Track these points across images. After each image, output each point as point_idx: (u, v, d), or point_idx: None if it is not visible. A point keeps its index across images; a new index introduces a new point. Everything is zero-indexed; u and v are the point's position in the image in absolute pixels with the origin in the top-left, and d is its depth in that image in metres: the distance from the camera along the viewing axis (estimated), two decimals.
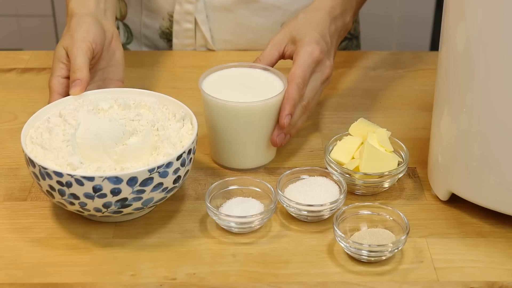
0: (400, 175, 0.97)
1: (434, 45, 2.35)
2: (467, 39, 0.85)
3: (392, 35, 2.34)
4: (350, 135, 1.01)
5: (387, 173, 0.95)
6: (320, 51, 1.04)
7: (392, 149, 0.99)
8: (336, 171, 0.97)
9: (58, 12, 2.34)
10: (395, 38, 2.36)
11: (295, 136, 1.09)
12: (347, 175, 0.96)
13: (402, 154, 1.00)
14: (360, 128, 1.01)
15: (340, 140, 1.01)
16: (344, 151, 0.99)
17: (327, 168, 0.98)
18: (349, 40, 1.38)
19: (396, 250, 0.87)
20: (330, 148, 1.00)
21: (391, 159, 0.97)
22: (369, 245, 0.86)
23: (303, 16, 1.08)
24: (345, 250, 0.88)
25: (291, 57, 1.06)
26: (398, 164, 0.97)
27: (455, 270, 0.87)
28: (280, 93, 0.99)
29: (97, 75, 1.07)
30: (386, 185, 0.97)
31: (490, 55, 0.83)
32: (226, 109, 0.98)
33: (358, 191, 0.98)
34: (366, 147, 0.96)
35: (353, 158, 0.99)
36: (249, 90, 1.02)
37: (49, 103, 0.99)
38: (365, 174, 0.95)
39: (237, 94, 1.00)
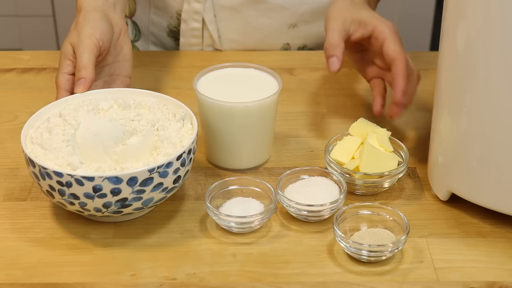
0: (400, 175, 0.97)
1: (434, 45, 2.35)
2: (467, 39, 0.85)
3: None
4: (350, 135, 1.01)
5: (387, 173, 0.95)
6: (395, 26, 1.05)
7: (392, 149, 0.99)
8: (336, 171, 0.97)
9: (58, 12, 2.34)
10: None
11: (295, 136, 1.09)
12: (347, 175, 0.96)
13: (402, 154, 1.00)
14: (360, 128, 1.01)
15: (340, 140, 1.01)
16: (344, 151, 0.99)
17: (327, 168, 0.98)
18: None
19: (396, 250, 0.87)
20: (330, 148, 1.00)
21: (391, 159, 0.97)
22: (369, 245, 0.86)
23: (351, 2, 1.08)
24: (345, 250, 0.88)
25: (361, 39, 1.06)
26: (398, 164, 0.97)
27: (455, 270, 0.87)
28: (275, 93, 0.99)
29: (104, 70, 1.07)
30: (386, 185, 0.97)
31: (490, 55, 0.83)
32: (223, 110, 0.98)
33: (358, 191, 0.98)
34: (366, 147, 0.96)
35: (353, 158, 0.99)
36: (244, 90, 1.02)
37: (56, 99, 0.99)
38: (365, 174, 0.95)
39: (232, 94, 1.00)
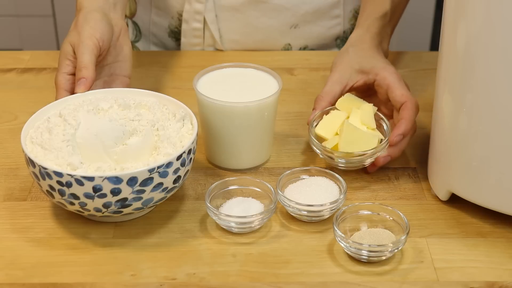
0: (381, 153, 0.97)
1: (434, 45, 2.35)
2: (467, 39, 0.85)
3: (392, 35, 2.34)
4: (337, 109, 1.01)
5: (367, 151, 0.96)
6: (397, 71, 1.04)
7: (375, 127, 0.99)
8: (318, 149, 0.97)
9: (58, 12, 2.34)
10: (395, 38, 2.35)
11: (295, 136, 1.09)
12: (329, 154, 0.97)
13: (385, 129, 0.99)
14: (348, 102, 1.01)
15: (326, 114, 1.01)
16: (328, 126, 0.99)
17: (311, 144, 0.99)
18: None
19: (396, 250, 0.87)
20: (315, 123, 1.00)
21: (370, 138, 0.96)
22: (369, 245, 0.86)
23: (353, 50, 1.08)
24: (345, 250, 0.88)
25: (364, 86, 1.05)
26: (381, 141, 0.97)
27: (455, 270, 0.87)
28: (275, 93, 0.99)
29: (104, 70, 1.07)
30: (367, 163, 0.97)
31: (490, 55, 0.83)
32: (223, 110, 0.98)
33: (340, 166, 0.98)
34: (345, 126, 0.96)
35: (336, 134, 0.99)
36: (244, 90, 1.02)
37: (56, 99, 0.99)
38: (345, 153, 0.96)
39: (232, 94, 1.00)
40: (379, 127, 1.00)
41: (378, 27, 1.12)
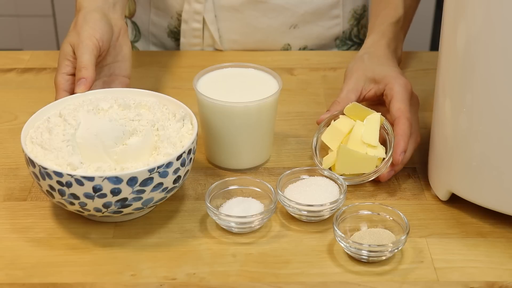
0: (382, 171, 0.97)
1: (434, 45, 2.35)
2: (467, 39, 0.85)
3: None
4: (345, 115, 1.01)
5: (365, 174, 0.96)
6: (409, 82, 1.03)
7: (377, 144, 0.98)
8: (320, 169, 0.98)
9: (58, 12, 2.34)
10: None
11: (295, 136, 1.09)
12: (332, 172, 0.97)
13: (388, 144, 0.98)
14: (355, 110, 1.00)
15: (335, 119, 1.01)
16: (333, 135, 0.99)
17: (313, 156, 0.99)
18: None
19: (396, 250, 0.87)
20: (322, 130, 1.01)
21: (368, 160, 0.96)
22: (369, 245, 0.86)
23: (368, 57, 1.08)
24: (345, 250, 0.88)
25: (374, 97, 1.05)
26: (383, 160, 0.97)
27: (455, 270, 0.87)
28: (275, 93, 0.99)
29: (103, 70, 1.07)
30: (368, 180, 0.97)
31: (490, 55, 0.83)
32: (223, 110, 0.98)
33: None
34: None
35: (342, 142, 0.99)
36: (244, 90, 1.02)
37: (55, 99, 0.99)
38: (343, 175, 0.96)
39: (232, 94, 1.00)
40: (383, 140, 0.99)
41: (393, 32, 1.12)
